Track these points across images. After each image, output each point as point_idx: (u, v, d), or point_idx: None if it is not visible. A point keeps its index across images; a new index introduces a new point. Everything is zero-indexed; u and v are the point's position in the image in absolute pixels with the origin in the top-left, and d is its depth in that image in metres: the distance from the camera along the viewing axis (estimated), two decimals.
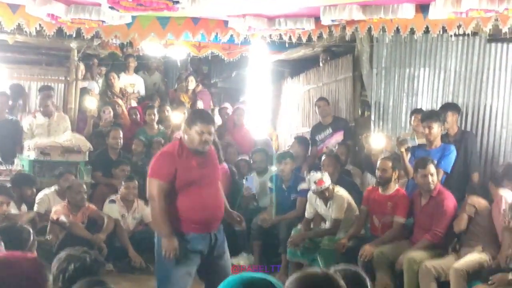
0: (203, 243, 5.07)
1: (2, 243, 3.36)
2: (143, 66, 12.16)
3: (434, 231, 6.39)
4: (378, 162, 6.99)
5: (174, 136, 9.74)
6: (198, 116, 5.13)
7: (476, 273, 5.90)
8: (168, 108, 10.58)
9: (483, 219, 6.29)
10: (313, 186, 7.11)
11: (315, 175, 7.11)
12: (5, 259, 2.96)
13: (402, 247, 6.50)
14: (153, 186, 5.00)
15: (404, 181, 7.30)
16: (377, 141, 7.75)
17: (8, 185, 7.30)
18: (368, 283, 2.39)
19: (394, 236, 6.70)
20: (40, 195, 7.76)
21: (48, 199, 7.77)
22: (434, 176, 6.48)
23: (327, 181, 7.07)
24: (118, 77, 11.30)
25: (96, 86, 11.06)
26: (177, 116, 10.23)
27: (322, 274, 2.36)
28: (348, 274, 2.44)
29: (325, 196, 7.13)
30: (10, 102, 9.50)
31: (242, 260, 7.98)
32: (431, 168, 6.47)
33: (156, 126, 10.13)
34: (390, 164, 6.87)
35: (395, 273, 6.43)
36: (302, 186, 7.84)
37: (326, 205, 7.22)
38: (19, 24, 7.37)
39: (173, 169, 4.98)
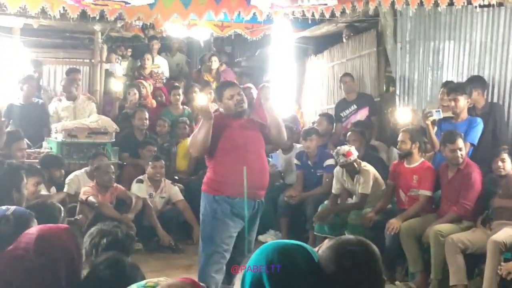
0: (248, 209, 5.22)
1: (36, 221, 3.41)
2: (165, 47, 12.21)
3: (462, 203, 6.35)
4: (399, 135, 6.97)
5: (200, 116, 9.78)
6: (223, 85, 5.70)
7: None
8: (196, 88, 10.60)
9: None
10: (341, 159, 7.13)
11: (343, 148, 7.15)
12: (41, 231, 3.03)
13: (429, 220, 6.47)
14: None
15: (431, 154, 7.26)
16: (403, 115, 7.71)
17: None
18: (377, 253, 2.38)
19: (421, 209, 6.67)
20: (70, 176, 7.85)
21: (78, 180, 7.86)
22: (462, 151, 6.43)
23: (355, 152, 7.09)
24: (153, 59, 11.36)
25: (118, 68, 11.12)
26: (202, 97, 10.23)
27: (357, 240, 2.37)
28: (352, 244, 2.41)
29: (353, 168, 7.13)
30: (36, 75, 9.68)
31: (270, 237, 8.02)
32: (460, 142, 6.42)
33: (181, 107, 10.17)
34: (408, 136, 6.82)
35: (423, 246, 6.43)
36: (328, 162, 7.85)
37: (353, 180, 7.23)
38: (43, 7, 7.42)
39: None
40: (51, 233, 3.01)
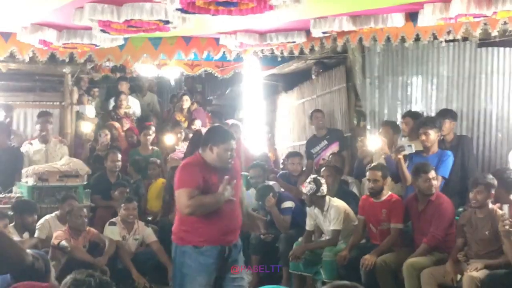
0: (218, 256, 5.05)
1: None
2: (135, 87, 12.20)
3: (432, 234, 6.35)
4: (367, 173, 6.94)
5: (170, 156, 9.81)
6: (225, 135, 5.07)
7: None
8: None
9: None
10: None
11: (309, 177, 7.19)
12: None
13: (404, 254, 6.46)
14: (182, 196, 4.93)
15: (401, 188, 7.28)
16: (373, 143, 7.67)
17: (10, 212, 7.33)
18: None
19: (393, 243, 6.66)
20: (41, 220, 7.73)
21: (49, 225, 7.74)
22: (435, 181, 6.50)
23: (308, 187, 7.07)
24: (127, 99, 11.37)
25: (89, 109, 11.07)
26: (170, 138, 10.27)
27: (350, 284, 2.38)
28: None
29: (318, 201, 7.10)
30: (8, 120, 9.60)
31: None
32: (433, 173, 6.49)
33: (150, 147, 10.14)
34: (380, 173, 6.80)
35: (399, 282, 6.42)
36: (286, 204, 7.87)
37: (322, 215, 7.19)
38: (11, 51, 7.41)
39: (200, 177, 4.93)
40: None
